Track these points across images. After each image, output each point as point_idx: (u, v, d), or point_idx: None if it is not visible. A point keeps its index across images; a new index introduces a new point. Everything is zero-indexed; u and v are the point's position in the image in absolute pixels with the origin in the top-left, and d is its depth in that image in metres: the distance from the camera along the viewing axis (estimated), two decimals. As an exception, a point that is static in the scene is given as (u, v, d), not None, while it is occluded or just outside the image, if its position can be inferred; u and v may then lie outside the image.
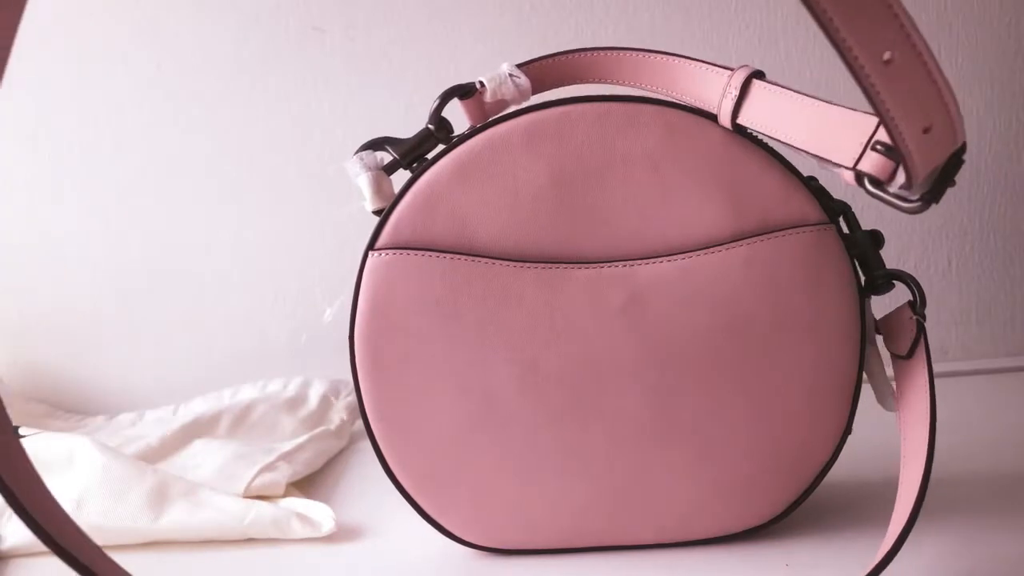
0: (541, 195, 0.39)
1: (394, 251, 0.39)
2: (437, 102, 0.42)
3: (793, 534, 0.42)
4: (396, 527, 0.46)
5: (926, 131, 0.27)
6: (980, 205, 0.70)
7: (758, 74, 0.38)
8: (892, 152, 0.31)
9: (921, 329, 0.39)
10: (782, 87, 0.37)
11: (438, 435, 0.40)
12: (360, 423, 0.42)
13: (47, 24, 0.70)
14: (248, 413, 0.63)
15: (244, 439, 0.61)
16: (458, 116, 0.44)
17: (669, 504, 0.41)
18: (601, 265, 0.39)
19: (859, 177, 0.32)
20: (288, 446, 0.56)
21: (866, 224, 0.41)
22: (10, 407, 0.69)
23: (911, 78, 0.26)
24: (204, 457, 0.55)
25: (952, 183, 0.30)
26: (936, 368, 0.70)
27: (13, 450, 0.27)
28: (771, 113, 0.37)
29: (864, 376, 0.41)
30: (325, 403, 0.65)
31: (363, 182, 0.41)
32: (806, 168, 0.41)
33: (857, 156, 0.32)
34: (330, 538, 0.46)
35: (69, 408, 0.72)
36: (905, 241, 0.71)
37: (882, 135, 0.31)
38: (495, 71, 0.44)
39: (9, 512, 0.48)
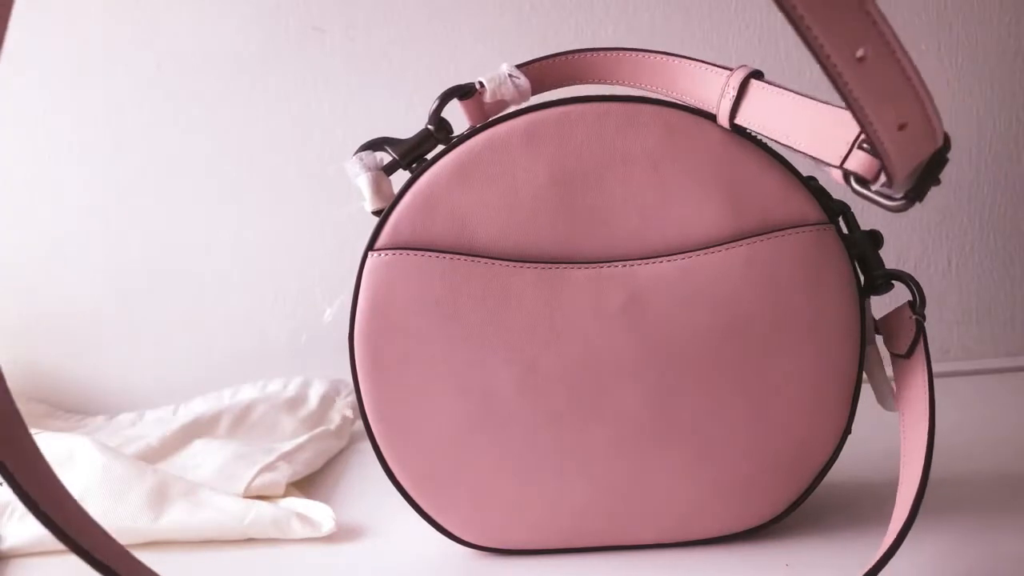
0: (541, 195, 0.39)
1: (394, 251, 0.39)
2: (437, 103, 0.42)
3: (793, 534, 0.42)
4: (396, 527, 0.46)
5: (901, 128, 0.27)
6: (980, 205, 0.70)
7: (756, 74, 0.38)
8: (878, 152, 0.31)
9: (920, 329, 0.39)
10: (779, 87, 0.37)
11: (438, 435, 0.40)
12: (360, 423, 0.42)
13: (47, 24, 0.70)
14: (248, 413, 0.63)
15: (244, 439, 0.61)
16: (458, 116, 0.44)
17: (669, 504, 0.41)
18: (601, 265, 0.39)
19: (846, 176, 0.32)
20: (288, 446, 0.56)
21: (866, 224, 0.41)
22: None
23: (885, 75, 0.26)
24: (204, 457, 0.55)
25: (937, 182, 0.30)
26: (936, 368, 0.70)
27: (28, 451, 0.27)
28: (768, 113, 0.37)
29: (864, 376, 0.41)
30: (325, 403, 0.65)
31: (363, 182, 0.41)
32: (805, 168, 0.41)
33: (844, 155, 0.32)
34: (330, 538, 0.46)
35: (69, 408, 0.72)
36: (905, 241, 0.71)
37: None
38: (495, 72, 0.44)
39: (9, 512, 0.48)
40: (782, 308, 0.39)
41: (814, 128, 0.34)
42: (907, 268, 0.71)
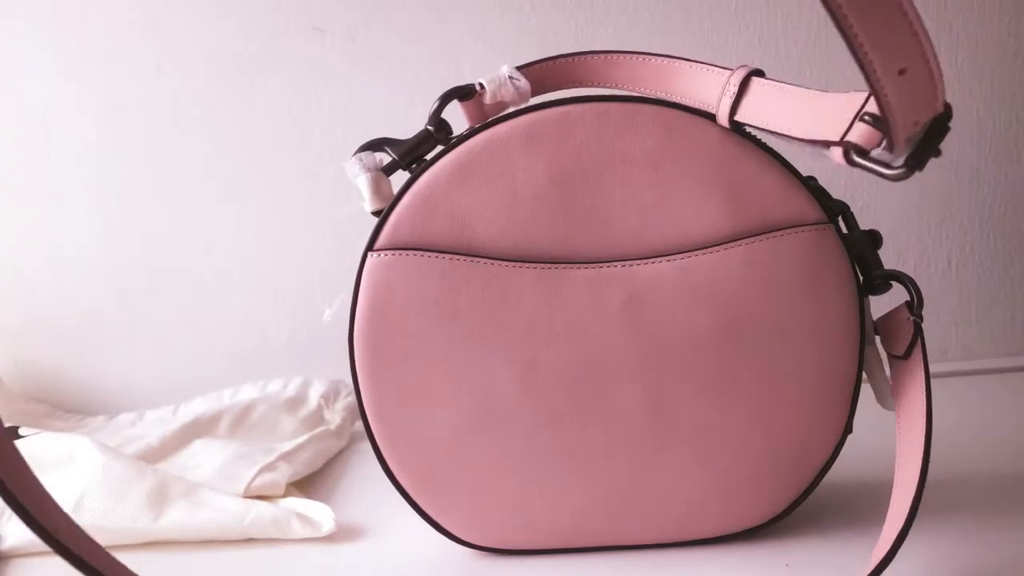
0: (540, 195, 0.39)
1: (393, 252, 0.39)
2: (437, 104, 0.42)
3: (793, 534, 0.42)
4: (396, 527, 0.46)
5: (902, 72, 0.27)
6: (980, 205, 0.70)
7: (757, 72, 0.38)
8: (879, 122, 0.31)
9: (918, 330, 0.39)
10: (780, 82, 0.37)
11: (438, 435, 0.40)
12: (360, 423, 0.42)
13: (47, 24, 0.70)
14: (248, 413, 0.63)
15: (244, 439, 0.61)
16: (457, 118, 0.44)
17: (669, 504, 0.41)
18: (600, 265, 0.39)
19: (846, 151, 0.32)
20: (288, 446, 0.56)
21: (865, 224, 0.41)
22: (10, 407, 0.69)
23: (885, 10, 0.26)
24: (204, 457, 0.55)
25: (937, 152, 0.30)
26: (936, 368, 0.70)
27: (8, 451, 0.27)
28: (768, 107, 0.37)
29: (864, 375, 0.41)
30: (325, 403, 0.65)
31: (362, 183, 0.41)
32: (805, 168, 0.41)
33: (845, 129, 0.32)
34: (330, 538, 0.46)
35: (69, 408, 0.72)
36: (905, 241, 0.71)
37: (871, 107, 0.31)
38: (495, 73, 0.44)
39: (9, 512, 0.48)
40: (782, 308, 0.39)
41: (815, 113, 0.34)
42: (907, 268, 0.71)
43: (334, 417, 0.64)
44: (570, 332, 0.39)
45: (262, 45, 0.70)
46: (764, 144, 0.39)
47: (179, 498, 0.47)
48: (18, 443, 0.53)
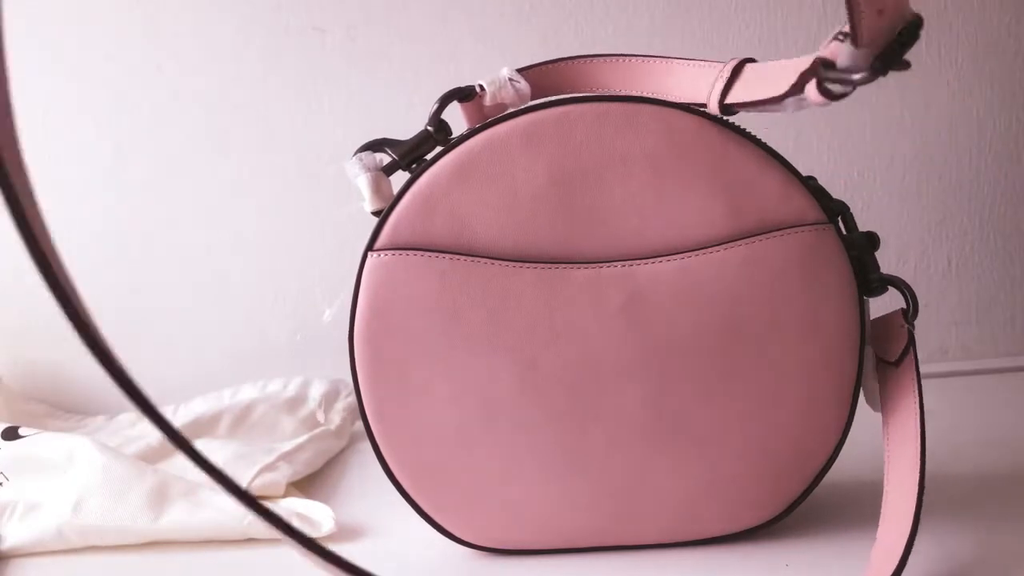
0: (540, 195, 0.39)
1: (393, 252, 0.39)
2: (436, 105, 0.42)
3: (793, 534, 0.42)
4: (396, 527, 0.46)
5: None
6: (980, 205, 0.70)
7: (750, 60, 0.39)
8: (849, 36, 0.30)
9: (911, 340, 0.39)
10: (771, 62, 0.37)
11: (438, 435, 0.40)
12: (360, 423, 0.42)
13: (47, 25, 0.70)
14: (248, 413, 0.63)
15: (244, 439, 0.61)
16: (458, 119, 0.44)
17: (669, 504, 0.41)
18: (600, 265, 0.39)
19: (817, 73, 0.32)
20: (288, 446, 0.56)
21: (865, 224, 0.41)
22: (10, 407, 0.69)
23: None
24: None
25: (905, 64, 0.30)
26: (936, 368, 0.70)
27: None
28: (752, 84, 0.37)
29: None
30: (325, 403, 0.65)
31: (362, 183, 0.41)
32: (805, 168, 0.41)
33: (818, 54, 0.32)
34: (330, 538, 0.46)
35: (69, 408, 0.72)
36: (905, 241, 0.71)
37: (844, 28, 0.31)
38: (495, 75, 0.44)
39: (9, 512, 0.48)
40: (782, 308, 0.39)
41: (790, 68, 0.34)
42: (907, 268, 0.71)
43: (334, 417, 0.64)
44: (570, 332, 0.39)
45: (262, 45, 0.70)
46: (764, 144, 0.39)
47: (179, 498, 0.47)
48: (18, 443, 0.53)
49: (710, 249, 0.39)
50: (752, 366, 0.39)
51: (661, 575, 0.40)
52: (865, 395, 0.41)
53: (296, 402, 0.64)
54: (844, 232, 0.40)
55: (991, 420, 0.57)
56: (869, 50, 0.30)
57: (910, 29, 0.30)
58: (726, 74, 0.38)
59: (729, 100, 0.38)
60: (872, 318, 0.41)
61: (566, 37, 0.68)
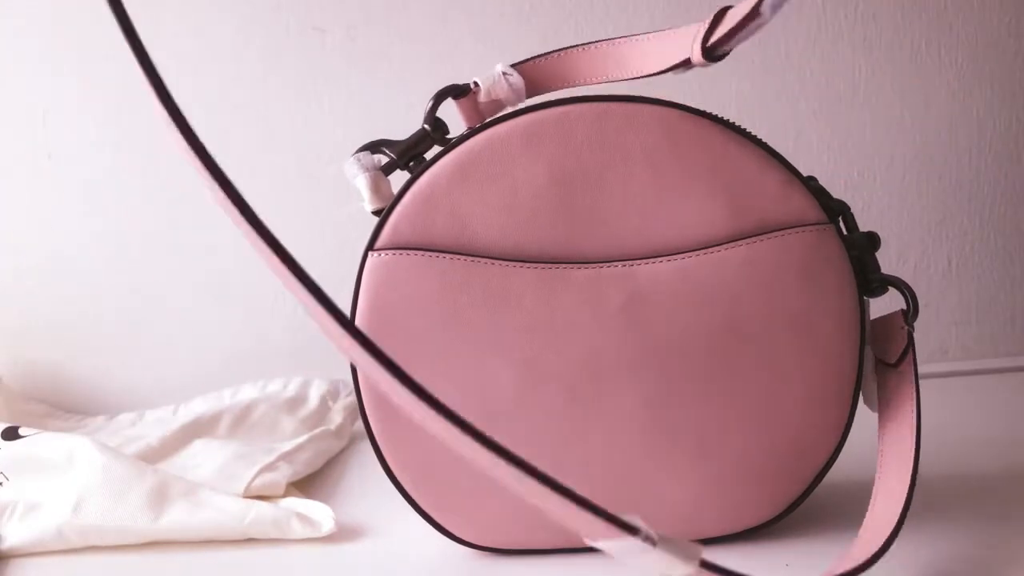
0: (540, 195, 0.39)
1: (394, 251, 0.39)
2: (431, 103, 0.42)
3: (793, 534, 0.42)
4: (396, 527, 0.46)
5: None
6: (980, 205, 0.70)
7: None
8: None
9: (911, 341, 0.39)
10: None
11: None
12: (360, 423, 0.42)
13: (48, 25, 0.70)
14: (248, 413, 0.63)
15: (244, 439, 0.61)
16: (457, 121, 0.44)
17: (669, 504, 0.41)
18: (600, 265, 0.39)
19: None
20: (288, 446, 0.56)
21: (865, 224, 0.41)
22: (10, 407, 0.69)
23: None
24: (204, 457, 0.55)
25: None
26: (936, 368, 0.71)
27: None
28: (731, 15, 0.36)
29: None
30: (325, 403, 0.65)
31: (361, 183, 0.41)
32: (805, 168, 0.41)
33: None
34: (330, 538, 0.46)
35: (69, 408, 0.72)
36: (905, 241, 0.71)
37: None
38: (490, 71, 0.44)
39: (9, 512, 0.48)
40: (782, 308, 0.39)
41: None
42: (907, 268, 0.71)
43: (334, 417, 0.64)
44: (570, 332, 0.39)
45: (262, 45, 0.70)
46: (764, 144, 0.39)
47: (179, 498, 0.47)
48: (18, 443, 0.53)
49: (710, 249, 0.39)
50: (752, 366, 0.39)
51: (661, 575, 0.40)
52: (864, 396, 0.41)
53: (296, 402, 0.64)
54: (844, 232, 0.40)
55: (991, 420, 0.57)
56: None
57: None
58: (708, 21, 0.38)
59: (712, 40, 0.37)
60: (872, 319, 0.41)
61: (566, 37, 0.68)
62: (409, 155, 0.42)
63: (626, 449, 0.40)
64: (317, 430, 0.59)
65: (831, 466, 0.41)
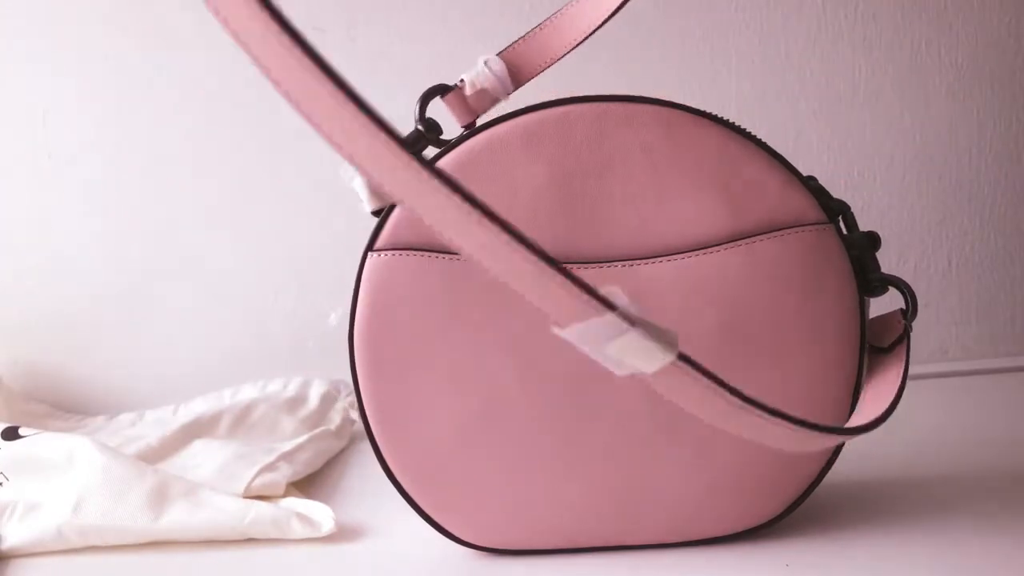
0: (540, 195, 0.39)
1: (394, 252, 0.39)
2: (419, 104, 0.42)
3: (793, 534, 0.42)
4: (396, 527, 0.46)
5: None
6: (980, 205, 0.70)
7: None
8: None
9: (907, 332, 0.39)
10: None
11: (438, 435, 0.40)
12: (360, 423, 0.42)
13: (48, 26, 0.70)
14: (248, 413, 0.63)
15: (244, 439, 0.61)
16: (449, 122, 0.44)
17: (669, 504, 0.41)
18: (600, 265, 0.39)
19: None
20: (288, 446, 0.56)
21: (865, 225, 0.41)
22: (10, 407, 0.69)
23: None
24: (204, 457, 0.55)
25: None
26: (936, 368, 0.70)
27: None
28: None
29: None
30: (325, 403, 0.65)
31: (358, 184, 0.41)
32: (805, 168, 0.41)
33: None
34: (330, 538, 0.46)
35: (69, 408, 0.72)
36: (905, 241, 0.71)
37: None
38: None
39: (9, 512, 0.48)
40: (782, 308, 0.39)
41: None
42: (907, 268, 0.71)
43: (334, 417, 0.64)
44: (570, 332, 0.39)
45: (262, 45, 0.70)
46: (764, 144, 0.39)
47: (179, 498, 0.47)
48: (18, 443, 0.53)
49: (710, 249, 0.39)
50: (752, 366, 0.39)
51: (661, 575, 0.40)
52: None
53: (296, 402, 0.64)
54: (844, 232, 0.40)
55: (991, 420, 0.57)
56: None
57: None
58: None
59: None
60: (871, 318, 0.41)
61: (566, 37, 0.68)
62: (405, 156, 0.42)
63: (626, 449, 0.40)
64: (317, 430, 0.59)
65: (831, 466, 0.41)
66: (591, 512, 0.41)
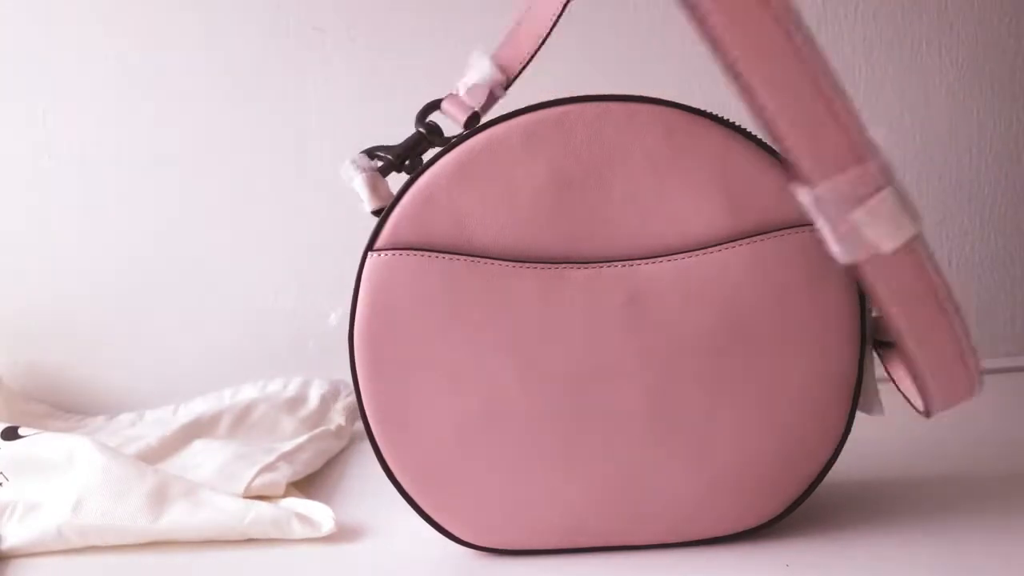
0: (540, 195, 0.39)
1: (393, 251, 0.39)
2: (417, 118, 0.43)
3: (793, 534, 0.42)
4: (396, 527, 0.46)
5: None
6: (980, 205, 0.70)
7: None
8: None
9: None
10: None
11: (438, 435, 0.40)
12: (360, 423, 0.42)
13: (48, 25, 0.70)
14: (248, 413, 0.63)
15: (244, 439, 0.61)
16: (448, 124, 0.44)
17: (669, 504, 0.41)
18: (600, 265, 0.39)
19: None
20: (288, 446, 0.56)
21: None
22: (10, 407, 0.69)
23: None
24: (204, 457, 0.55)
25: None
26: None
27: None
28: None
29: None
30: (325, 403, 0.65)
31: (358, 184, 0.41)
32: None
33: None
34: (330, 538, 0.46)
35: (69, 408, 0.72)
36: (905, 241, 0.70)
37: None
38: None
39: (9, 512, 0.48)
40: (782, 308, 0.39)
41: None
42: (907, 268, 0.71)
43: (334, 417, 0.64)
44: (570, 332, 0.39)
45: (262, 45, 0.70)
46: (764, 143, 0.39)
47: (179, 498, 0.47)
48: (18, 443, 0.53)
49: (710, 249, 0.39)
50: (752, 366, 0.39)
51: (661, 575, 0.40)
52: (863, 397, 0.41)
53: (296, 402, 0.64)
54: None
55: (991, 420, 0.57)
56: None
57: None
58: None
59: None
60: (874, 315, 0.41)
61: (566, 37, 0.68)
62: (406, 157, 0.42)
63: (626, 449, 0.40)
64: (317, 430, 0.59)
65: (831, 466, 0.41)
66: (591, 512, 0.41)
